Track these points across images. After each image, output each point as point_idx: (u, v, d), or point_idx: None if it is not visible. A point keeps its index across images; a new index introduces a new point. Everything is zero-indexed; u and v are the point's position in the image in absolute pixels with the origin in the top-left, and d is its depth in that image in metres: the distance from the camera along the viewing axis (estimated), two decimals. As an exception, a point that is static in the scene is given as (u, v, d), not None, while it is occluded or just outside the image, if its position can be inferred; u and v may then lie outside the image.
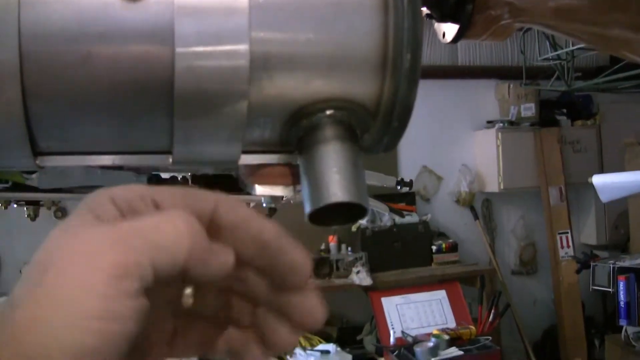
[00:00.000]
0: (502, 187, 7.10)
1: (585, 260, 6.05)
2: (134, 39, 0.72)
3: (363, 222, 6.63)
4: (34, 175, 1.17)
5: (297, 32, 0.75)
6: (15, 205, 1.22)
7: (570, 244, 7.27)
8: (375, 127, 0.82)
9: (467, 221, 7.40)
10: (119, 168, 1.09)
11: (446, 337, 5.09)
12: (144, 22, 0.71)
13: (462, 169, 7.38)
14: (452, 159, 7.44)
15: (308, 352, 4.80)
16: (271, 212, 1.11)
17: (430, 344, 4.98)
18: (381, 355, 5.23)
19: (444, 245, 6.88)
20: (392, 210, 1.88)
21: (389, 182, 1.62)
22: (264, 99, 0.76)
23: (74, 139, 0.81)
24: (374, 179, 1.56)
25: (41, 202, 1.21)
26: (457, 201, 7.40)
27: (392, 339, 5.41)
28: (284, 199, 0.93)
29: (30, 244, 1.31)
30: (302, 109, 0.78)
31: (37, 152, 0.80)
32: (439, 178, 7.43)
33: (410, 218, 6.85)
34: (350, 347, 5.51)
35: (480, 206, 7.52)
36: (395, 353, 5.04)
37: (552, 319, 7.48)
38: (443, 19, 1.30)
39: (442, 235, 7.13)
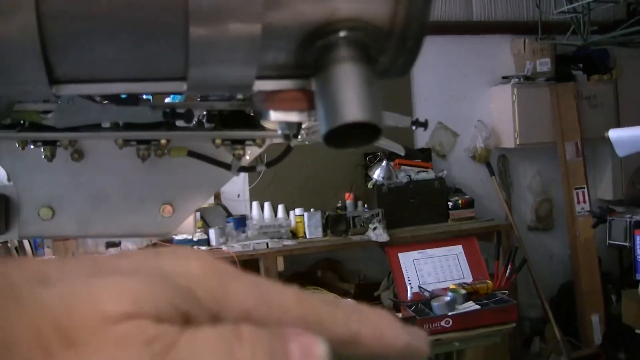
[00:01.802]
0: (518, 142, 7.07)
1: (602, 215, 6.03)
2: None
3: (379, 178, 6.63)
4: (50, 115, 1.17)
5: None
6: (32, 147, 1.23)
7: (587, 199, 7.23)
8: (390, 48, 0.81)
9: (483, 177, 7.39)
10: (134, 103, 1.09)
11: (463, 291, 5.09)
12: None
13: (477, 125, 7.33)
14: (468, 115, 7.40)
15: None
16: (287, 140, 1.11)
17: (447, 299, 4.99)
18: (398, 311, 5.24)
19: (460, 202, 6.85)
20: (408, 150, 1.85)
21: (404, 122, 1.62)
22: (278, 20, 0.76)
23: (89, 65, 0.81)
24: (389, 119, 1.55)
25: (58, 143, 1.22)
26: (473, 157, 7.37)
27: (409, 294, 5.42)
28: (302, 127, 0.92)
29: (47, 184, 1.31)
30: (317, 29, 0.78)
31: (53, 81, 0.80)
32: (455, 134, 7.41)
33: (426, 174, 6.86)
34: (368, 303, 5.52)
35: (496, 162, 7.49)
36: (412, 308, 5.05)
37: (569, 274, 7.47)
38: None
39: (458, 191, 7.11)
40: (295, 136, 1.11)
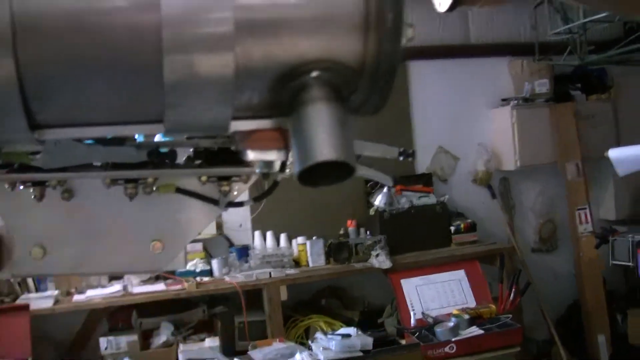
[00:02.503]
0: (518, 164, 7.10)
1: (604, 235, 6.06)
2: (123, 8, 0.75)
3: (381, 204, 6.66)
4: (38, 156, 1.20)
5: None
6: (22, 187, 1.26)
7: (589, 219, 7.25)
8: (362, 87, 0.84)
9: (485, 200, 7.40)
10: (119, 143, 1.12)
11: (466, 316, 5.09)
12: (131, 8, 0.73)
13: (478, 148, 7.35)
14: (468, 139, 7.42)
15: (329, 336, 4.82)
16: (265, 178, 1.14)
17: (451, 324, 5.00)
18: (402, 337, 5.25)
19: (462, 226, 6.88)
20: (395, 179, 1.87)
21: (391, 153, 1.64)
22: (251, 63, 0.79)
23: (69, 111, 0.84)
24: (376, 150, 1.58)
25: (47, 183, 1.25)
26: (475, 180, 7.40)
27: (412, 320, 5.44)
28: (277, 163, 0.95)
29: (38, 224, 1.34)
30: (289, 71, 0.81)
31: (34, 126, 0.82)
32: (455, 158, 7.44)
33: (428, 199, 6.90)
34: (372, 330, 5.52)
35: (498, 184, 7.52)
36: (416, 334, 5.06)
37: (575, 294, 7.47)
38: None
39: (460, 215, 7.13)
40: (282, 170, 1.14)
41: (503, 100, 7.29)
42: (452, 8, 1.34)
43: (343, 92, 0.82)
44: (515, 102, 7.12)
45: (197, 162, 1.28)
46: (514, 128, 7.05)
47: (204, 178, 1.24)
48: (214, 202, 1.32)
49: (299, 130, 0.80)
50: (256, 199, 1.47)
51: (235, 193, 1.32)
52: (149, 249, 1.34)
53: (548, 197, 7.64)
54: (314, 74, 0.80)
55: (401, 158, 1.73)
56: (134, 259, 1.37)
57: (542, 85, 7.13)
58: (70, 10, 0.74)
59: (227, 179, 1.23)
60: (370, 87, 0.85)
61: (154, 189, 1.24)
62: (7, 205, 1.32)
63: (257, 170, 1.03)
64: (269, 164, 0.96)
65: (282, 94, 0.82)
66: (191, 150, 1.28)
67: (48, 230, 1.35)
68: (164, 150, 1.18)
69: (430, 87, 7.31)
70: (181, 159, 1.36)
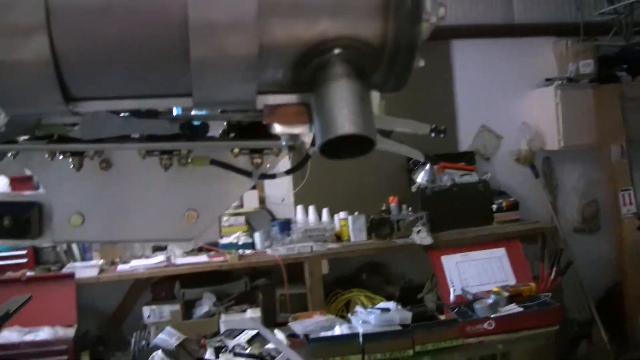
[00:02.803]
0: (562, 144, 7.08)
1: (646, 217, 6.03)
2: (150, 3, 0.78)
3: (423, 181, 6.67)
4: (76, 128, 1.24)
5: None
6: (61, 157, 1.30)
7: (633, 200, 7.19)
8: (383, 65, 0.86)
9: (527, 179, 7.40)
10: (154, 116, 1.15)
11: (506, 293, 5.08)
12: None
13: (521, 127, 7.34)
14: (511, 118, 7.41)
15: (369, 309, 4.86)
16: (291, 151, 1.17)
17: (490, 301, 4.99)
18: (441, 313, 5.26)
19: (504, 204, 6.88)
20: (427, 156, 1.89)
21: (423, 129, 1.66)
22: (275, 41, 0.82)
23: (101, 85, 0.87)
24: (408, 126, 1.60)
25: (85, 154, 1.29)
26: (517, 159, 7.39)
27: (452, 297, 5.44)
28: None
29: (77, 193, 1.38)
30: (312, 48, 0.83)
31: (69, 98, 0.86)
32: (498, 137, 7.43)
33: (470, 177, 6.90)
34: (412, 305, 5.55)
35: (541, 164, 7.50)
36: (455, 310, 5.06)
37: (616, 276, 7.43)
38: None
39: (502, 194, 7.12)
40: (313, 144, 1.17)
41: (547, 80, 7.26)
42: None
43: (364, 70, 0.85)
44: (559, 82, 7.07)
45: (231, 135, 1.31)
46: (557, 108, 7.04)
47: (236, 150, 1.27)
48: (247, 173, 1.36)
49: (322, 105, 0.82)
50: (288, 172, 1.50)
51: (268, 166, 1.35)
52: (183, 218, 1.38)
53: (591, 177, 7.59)
54: (336, 51, 0.83)
55: (432, 134, 1.75)
56: (168, 228, 1.41)
57: (587, 66, 7.07)
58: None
59: (259, 151, 1.26)
60: (391, 65, 0.87)
61: (189, 160, 1.27)
62: (47, 174, 1.37)
63: (283, 143, 1.06)
64: (294, 137, 0.99)
65: (306, 71, 0.84)
66: (225, 123, 1.31)
67: (86, 198, 1.39)
68: (196, 123, 1.22)
69: (474, 67, 7.32)
70: (217, 132, 1.40)
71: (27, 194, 1.46)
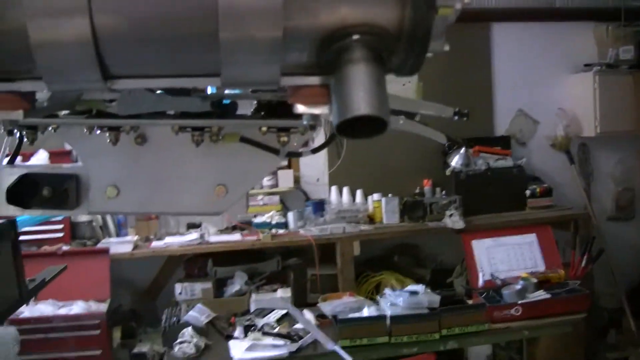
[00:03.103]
0: (598, 130, 7.13)
1: (682, 206, 6.04)
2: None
3: (457, 165, 6.70)
4: (113, 104, 1.32)
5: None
6: (98, 131, 1.38)
7: (669, 189, 7.23)
8: (399, 50, 0.93)
9: (562, 165, 7.45)
10: (187, 94, 1.23)
11: (534, 280, 5.12)
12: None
13: (558, 112, 7.39)
14: (548, 103, 7.44)
15: (397, 292, 4.92)
16: (312, 130, 1.24)
17: (518, 287, 5.02)
18: (470, 297, 5.32)
19: (538, 190, 6.95)
20: (449, 139, 1.96)
21: (446, 112, 1.73)
22: (299, 26, 0.89)
23: (137, 64, 0.95)
24: (432, 109, 1.66)
25: (121, 128, 1.37)
26: (553, 145, 7.44)
27: (481, 281, 5.48)
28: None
29: (113, 166, 1.47)
30: (332, 33, 0.91)
31: (107, 76, 0.94)
32: (535, 122, 7.48)
33: (505, 162, 6.98)
34: (442, 289, 5.60)
35: (577, 150, 7.55)
36: (483, 295, 5.12)
37: (651, 265, 7.44)
38: None
39: (536, 179, 7.18)
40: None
41: (586, 65, 7.27)
42: None
43: (382, 54, 0.92)
44: (599, 68, 7.09)
45: (261, 113, 1.38)
46: (595, 94, 7.08)
47: (264, 129, 1.34)
48: (274, 151, 1.43)
49: (340, 87, 0.90)
50: (314, 150, 1.57)
51: (295, 144, 1.42)
52: (212, 192, 1.46)
53: (628, 165, 7.64)
54: (355, 37, 0.90)
55: (456, 117, 1.82)
56: (199, 202, 1.49)
57: (627, 52, 7.07)
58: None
59: (285, 130, 1.34)
60: (407, 50, 0.94)
61: (219, 137, 1.35)
62: (85, 148, 1.45)
63: (305, 122, 1.13)
64: (315, 116, 1.06)
65: (327, 55, 0.91)
66: (255, 102, 1.38)
67: (121, 172, 1.47)
68: (226, 101, 1.29)
69: (512, 50, 7.35)
70: (248, 111, 1.47)
71: (65, 167, 1.55)
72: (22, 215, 1.58)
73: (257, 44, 0.88)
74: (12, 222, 1.63)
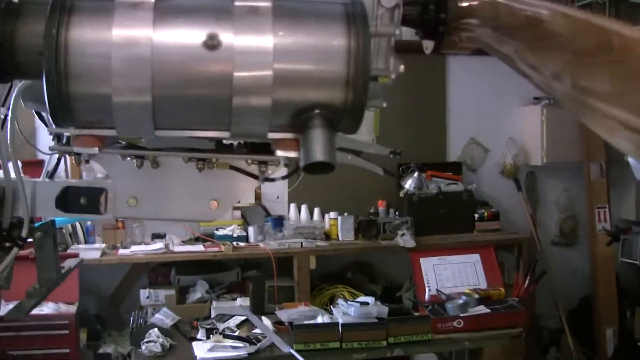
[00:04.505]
0: (545, 160, 7.65)
1: (615, 234, 6.59)
2: (211, 76, 1.43)
3: (410, 188, 7.23)
4: (142, 140, 1.87)
5: (300, 66, 1.45)
6: (128, 158, 1.94)
7: (608, 218, 7.80)
8: (344, 118, 1.50)
9: (510, 192, 7.95)
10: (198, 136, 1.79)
11: (476, 296, 5.65)
12: (217, 66, 1.41)
13: (508, 142, 7.90)
14: (499, 132, 7.96)
15: (349, 302, 5.36)
16: (287, 166, 1.80)
17: (461, 301, 5.55)
18: (416, 310, 5.79)
19: (486, 214, 7.45)
20: (386, 171, 2.54)
21: (384, 151, 2.31)
22: (280, 102, 1.46)
23: (175, 120, 1.51)
24: (373, 148, 2.25)
25: (145, 157, 1.92)
26: (502, 172, 7.95)
27: (427, 296, 5.99)
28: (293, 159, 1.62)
29: (134, 183, 2.02)
30: (303, 108, 1.48)
31: (156, 128, 1.50)
32: (486, 150, 8.02)
33: (456, 187, 7.51)
34: (391, 302, 6.06)
35: (525, 178, 8.07)
36: (428, 308, 5.63)
37: (589, 288, 8.01)
38: (425, 36, 1.93)
39: (485, 204, 7.68)
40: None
41: (535, 99, 7.78)
42: (434, 51, 1.94)
43: (333, 122, 1.49)
44: (547, 101, 7.62)
45: (245, 149, 1.93)
46: (543, 126, 7.58)
47: (249, 161, 1.90)
48: (255, 177, 1.99)
49: (306, 142, 1.46)
50: (284, 177, 2.15)
51: (270, 172, 1.97)
52: (208, 205, 2.02)
53: (572, 193, 8.15)
54: (317, 111, 1.47)
55: (391, 155, 2.41)
56: (197, 211, 2.04)
57: (573, 87, 7.60)
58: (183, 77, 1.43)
59: (265, 163, 1.89)
60: (349, 119, 1.51)
61: (215, 165, 1.90)
62: (115, 169, 2.00)
63: (282, 162, 1.70)
64: (289, 158, 1.62)
65: (298, 121, 1.48)
66: (242, 142, 1.93)
67: (140, 187, 2.02)
68: (226, 142, 1.84)
69: (467, 82, 7.85)
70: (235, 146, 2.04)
71: (97, 181, 2.11)
72: (61, 217, 2.14)
73: (255, 111, 1.45)
74: (52, 222, 2.18)
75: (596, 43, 1.37)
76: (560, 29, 1.44)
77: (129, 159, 1.92)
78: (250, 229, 7.01)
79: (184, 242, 6.89)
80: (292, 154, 1.58)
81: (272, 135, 1.55)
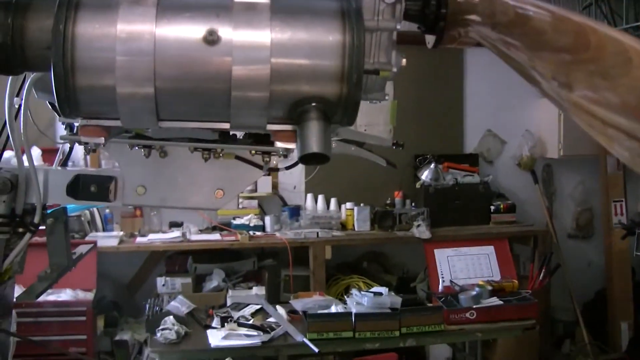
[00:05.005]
0: (562, 153, 7.66)
1: (631, 227, 6.59)
2: (211, 70, 1.50)
3: (427, 179, 7.27)
4: (149, 130, 1.95)
5: (296, 60, 1.52)
6: (136, 148, 2.01)
7: (624, 211, 7.81)
8: (339, 112, 1.57)
9: (527, 184, 7.99)
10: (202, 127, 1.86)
11: (489, 287, 5.70)
12: (217, 61, 1.48)
13: (525, 134, 7.94)
14: (516, 125, 7.98)
15: (363, 293, 5.44)
16: (285, 157, 1.87)
17: (474, 293, 5.60)
18: (430, 301, 5.87)
19: (502, 206, 7.49)
20: (388, 162, 2.60)
21: (387, 143, 2.37)
22: (277, 96, 1.53)
23: (177, 112, 1.58)
24: (376, 140, 2.31)
25: (152, 146, 1.99)
26: (519, 164, 7.98)
27: (440, 287, 6.06)
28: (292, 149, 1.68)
29: (142, 171, 2.09)
30: (299, 101, 1.55)
31: (159, 119, 1.57)
32: (502, 142, 8.07)
33: (472, 178, 7.56)
34: (405, 293, 6.12)
35: (541, 170, 8.11)
36: (441, 299, 5.69)
37: (604, 281, 8.04)
38: (426, 31, 1.98)
39: (501, 196, 7.72)
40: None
41: (553, 91, 7.75)
42: (435, 46, 1.99)
43: (328, 115, 1.55)
44: (564, 94, 7.58)
45: (250, 140, 2.00)
46: (560, 118, 7.57)
47: (253, 152, 1.97)
48: (259, 167, 2.05)
49: (302, 134, 1.53)
50: (287, 167, 2.22)
51: (274, 162, 2.04)
52: (213, 194, 2.08)
53: (588, 186, 8.18)
54: (313, 104, 1.54)
55: (394, 147, 2.47)
56: (203, 200, 2.10)
57: (592, 80, 7.60)
58: (183, 69, 1.50)
59: (267, 153, 1.96)
60: (343, 112, 1.58)
61: (221, 155, 1.97)
62: (124, 158, 2.07)
63: (281, 152, 1.77)
64: (287, 149, 1.69)
65: (295, 113, 1.55)
66: (246, 132, 2.00)
67: (148, 176, 2.09)
68: (230, 132, 1.91)
69: (484, 74, 7.83)
70: (240, 135, 2.10)
71: (107, 170, 2.19)
72: (71, 204, 2.22)
73: (253, 104, 1.52)
74: (64, 209, 2.26)
75: (573, 41, 1.39)
76: (545, 26, 1.48)
77: (136, 148, 1.99)
78: (267, 219, 7.08)
79: (201, 231, 6.98)
80: (290, 145, 1.65)
81: (270, 127, 1.62)
